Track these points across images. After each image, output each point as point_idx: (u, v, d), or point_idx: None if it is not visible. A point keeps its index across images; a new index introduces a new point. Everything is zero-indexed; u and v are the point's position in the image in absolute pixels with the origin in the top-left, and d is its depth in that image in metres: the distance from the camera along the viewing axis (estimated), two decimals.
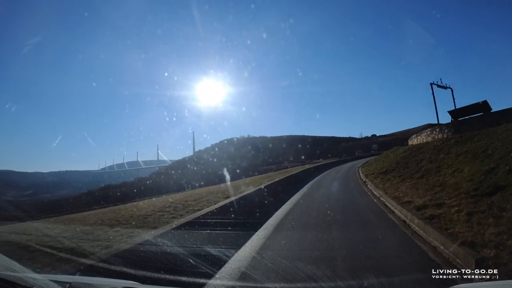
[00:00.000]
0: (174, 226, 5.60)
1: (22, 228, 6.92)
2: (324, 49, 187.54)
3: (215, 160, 46.21)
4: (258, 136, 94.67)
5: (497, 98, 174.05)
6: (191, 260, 4.06)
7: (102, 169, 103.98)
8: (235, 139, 75.52)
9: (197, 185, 24.86)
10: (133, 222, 6.27)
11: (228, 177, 20.39)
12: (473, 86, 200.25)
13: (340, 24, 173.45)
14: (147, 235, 4.96)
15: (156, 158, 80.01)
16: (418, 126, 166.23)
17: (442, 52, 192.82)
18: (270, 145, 66.50)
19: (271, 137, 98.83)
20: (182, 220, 6.10)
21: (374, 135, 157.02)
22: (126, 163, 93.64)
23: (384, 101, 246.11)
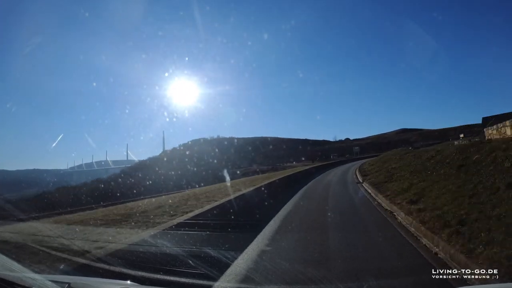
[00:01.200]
0: None
1: None
2: (298, 52, 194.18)
3: (178, 161, 45.71)
4: (227, 137, 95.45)
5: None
6: None
7: (71, 168, 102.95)
8: (201, 140, 75.49)
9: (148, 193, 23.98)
10: None
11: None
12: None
13: (319, 28, 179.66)
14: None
15: (125, 158, 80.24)
16: (393, 131, 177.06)
17: (419, 55, 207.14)
18: (240, 147, 67.31)
19: (241, 138, 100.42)
20: None
21: (347, 139, 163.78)
22: (95, 162, 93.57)
23: (358, 105, 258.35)
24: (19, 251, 4.47)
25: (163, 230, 5.78)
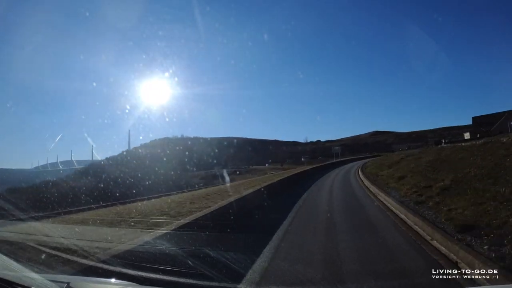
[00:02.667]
0: None
1: None
2: (271, 54, 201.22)
3: (137, 162, 44.71)
4: (192, 136, 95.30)
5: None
6: None
7: (36, 168, 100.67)
8: (164, 139, 74.80)
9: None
10: None
11: None
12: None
13: (292, 29, 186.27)
14: None
15: (90, 158, 79.82)
16: (367, 133, 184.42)
17: (394, 57, 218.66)
18: (205, 147, 67.27)
19: (208, 138, 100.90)
20: None
21: (319, 141, 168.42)
22: (60, 162, 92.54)
23: (329, 107, 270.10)
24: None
25: None
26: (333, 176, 29.59)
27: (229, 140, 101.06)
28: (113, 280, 3.01)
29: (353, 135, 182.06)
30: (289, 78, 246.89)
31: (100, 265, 4.09)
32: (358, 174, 26.23)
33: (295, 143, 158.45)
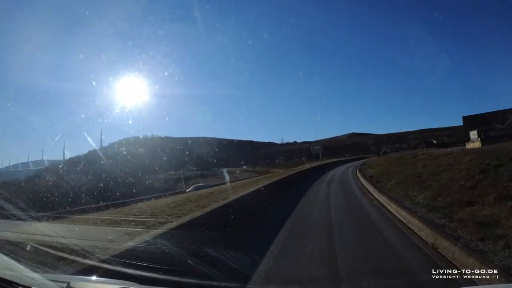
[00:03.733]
0: None
1: None
2: (247, 53, 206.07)
3: (95, 166, 43.85)
4: (162, 136, 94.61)
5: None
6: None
7: (6, 167, 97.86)
8: (131, 139, 73.79)
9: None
10: None
11: None
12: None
13: (264, 30, 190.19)
14: None
15: (62, 158, 78.23)
16: (344, 134, 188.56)
17: (370, 59, 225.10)
18: (175, 147, 66.74)
19: (178, 137, 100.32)
20: None
21: (295, 142, 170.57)
22: (31, 162, 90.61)
23: (306, 108, 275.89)
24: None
25: None
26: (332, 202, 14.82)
27: (201, 140, 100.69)
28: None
29: (329, 136, 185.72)
30: (266, 78, 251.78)
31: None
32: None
33: (271, 144, 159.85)
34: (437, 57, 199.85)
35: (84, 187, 33.70)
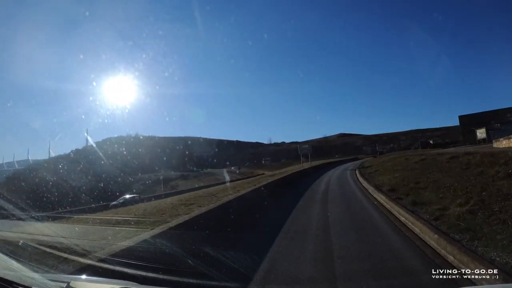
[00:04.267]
0: None
1: None
2: (237, 53, 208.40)
3: (71, 167, 43.41)
4: (147, 135, 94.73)
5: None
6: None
7: None
8: (113, 139, 73.73)
9: None
10: None
11: None
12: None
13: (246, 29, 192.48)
14: None
15: (47, 157, 78.30)
16: (334, 135, 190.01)
17: (359, 59, 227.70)
18: (159, 147, 66.67)
19: (165, 137, 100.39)
20: None
21: (283, 142, 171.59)
22: (17, 161, 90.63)
23: (296, 108, 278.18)
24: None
25: None
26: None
27: (187, 140, 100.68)
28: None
29: (319, 137, 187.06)
30: (255, 78, 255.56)
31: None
32: None
33: (258, 144, 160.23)
34: (428, 58, 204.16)
35: (54, 191, 33.40)
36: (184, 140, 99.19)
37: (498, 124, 63.40)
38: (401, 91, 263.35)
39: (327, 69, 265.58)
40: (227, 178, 29.89)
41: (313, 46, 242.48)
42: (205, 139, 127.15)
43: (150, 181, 63.20)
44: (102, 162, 43.97)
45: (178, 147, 78.58)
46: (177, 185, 65.23)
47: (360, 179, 23.40)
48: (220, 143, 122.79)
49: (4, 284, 2.35)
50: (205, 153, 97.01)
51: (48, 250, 5.13)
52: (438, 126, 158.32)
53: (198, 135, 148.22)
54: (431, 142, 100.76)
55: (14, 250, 4.89)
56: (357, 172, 29.23)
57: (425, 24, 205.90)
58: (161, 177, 66.78)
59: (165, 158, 71.35)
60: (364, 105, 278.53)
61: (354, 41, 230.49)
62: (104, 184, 38.84)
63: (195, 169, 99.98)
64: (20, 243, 5.32)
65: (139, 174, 63.30)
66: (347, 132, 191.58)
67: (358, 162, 54.26)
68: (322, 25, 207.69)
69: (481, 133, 63.03)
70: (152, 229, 6.91)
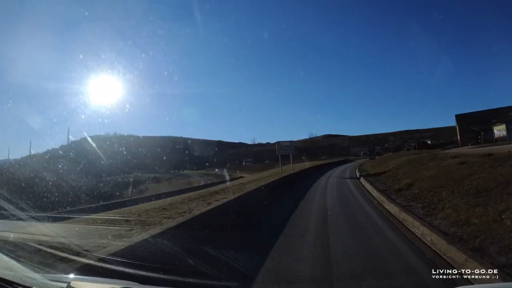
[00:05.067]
0: None
1: None
2: (221, 52, 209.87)
3: (38, 168, 42.73)
4: (126, 134, 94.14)
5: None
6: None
7: None
8: (91, 137, 73.06)
9: None
10: None
11: None
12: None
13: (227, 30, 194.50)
14: None
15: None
16: (318, 136, 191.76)
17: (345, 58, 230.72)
18: (137, 147, 66.06)
19: (145, 136, 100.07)
20: None
21: (268, 143, 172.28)
22: None
23: (282, 109, 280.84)
24: None
25: None
26: None
27: (168, 139, 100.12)
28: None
29: (305, 138, 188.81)
30: (241, 77, 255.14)
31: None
32: None
33: (241, 144, 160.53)
34: (417, 57, 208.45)
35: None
36: (165, 139, 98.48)
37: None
38: (389, 91, 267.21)
39: (314, 70, 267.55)
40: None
41: (299, 46, 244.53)
42: (187, 139, 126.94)
43: (122, 183, 62.41)
44: (75, 161, 43.39)
45: (158, 147, 78.07)
46: (146, 189, 64.11)
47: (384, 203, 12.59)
48: (203, 143, 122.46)
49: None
50: (187, 153, 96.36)
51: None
52: (427, 127, 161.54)
53: (179, 135, 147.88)
54: (428, 142, 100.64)
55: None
56: (374, 191, 15.97)
57: (414, 26, 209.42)
58: (131, 179, 65.71)
59: (146, 159, 70.74)
60: (350, 105, 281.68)
61: (340, 43, 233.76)
62: (65, 187, 37.84)
63: (172, 171, 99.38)
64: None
65: (103, 176, 62.00)
66: (333, 133, 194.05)
67: (352, 165, 50.07)
68: (307, 24, 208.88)
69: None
70: None
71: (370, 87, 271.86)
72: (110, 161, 51.04)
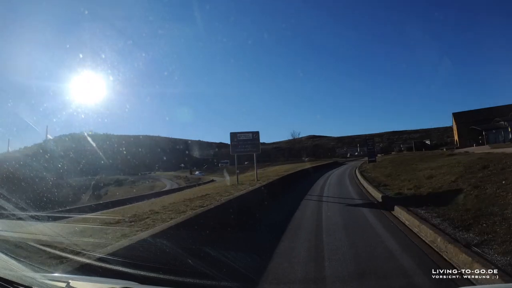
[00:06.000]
0: None
1: None
2: (201, 51, 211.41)
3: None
4: (101, 133, 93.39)
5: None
6: None
7: None
8: (65, 136, 72.34)
9: None
10: None
11: None
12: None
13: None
14: None
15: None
16: (303, 136, 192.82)
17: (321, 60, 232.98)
18: (112, 146, 65.43)
19: (120, 135, 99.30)
20: None
21: None
22: None
23: (267, 109, 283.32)
24: None
25: None
26: None
27: (145, 138, 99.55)
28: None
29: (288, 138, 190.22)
30: (224, 77, 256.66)
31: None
32: None
33: (222, 145, 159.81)
34: (402, 57, 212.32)
35: None
36: (141, 138, 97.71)
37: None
38: (375, 92, 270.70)
39: (297, 70, 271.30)
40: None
41: (281, 46, 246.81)
42: (167, 138, 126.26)
43: (84, 186, 61.44)
44: (45, 161, 42.91)
45: (133, 147, 77.54)
46: (105, 194, 62.84)
47: None
48: (181, 143, 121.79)
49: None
50: (164, 152, 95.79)
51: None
52: (415, 128, 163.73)
53: (156, 134, 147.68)
54: (427, 142, 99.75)
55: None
56: None
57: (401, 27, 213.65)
58: (93, 183, 64.60)
59: (110, 160, 69.92)
60: (335, 107, 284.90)
61: (322, 44, 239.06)
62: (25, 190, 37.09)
63: (141, 173, 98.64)
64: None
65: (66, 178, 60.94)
66: (317, 134, 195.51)
67: (348, 171, 40.76)
68: (288, 25, 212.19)
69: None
70: None
71: (355, 88, 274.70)
72: (84, 161, 50.64)
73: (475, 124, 65.18)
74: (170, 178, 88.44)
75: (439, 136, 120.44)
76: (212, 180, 58.06)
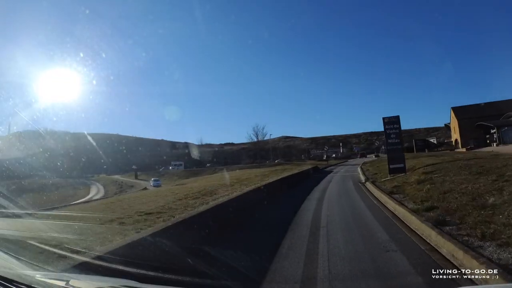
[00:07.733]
0: None
1: None
2: (168, 50, 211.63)
3: None
4: (57, 130, 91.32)
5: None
6: None
7: None
8: (21, 133, 70.18)
9: None
10: None
11: None
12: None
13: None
14: None
15: None
16: (276, 137, 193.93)
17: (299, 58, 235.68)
18: (64, 145, 64.10)
19: (77, 133, 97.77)
20: None
21: (221, 144, 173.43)
22: None
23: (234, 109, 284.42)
24: None
25: None
26: None
27: (99, 136, 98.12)
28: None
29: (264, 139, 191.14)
30: (191, 76, 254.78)
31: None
32: None
33: (186, 145, 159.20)
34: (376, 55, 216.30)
35: None
36: (95, 136, 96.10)
37: None
38: (350, 92, 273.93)
39: (269, 69, 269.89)
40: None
41: (252, 47, 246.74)
42: (125, 137, 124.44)
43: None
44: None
45: (88, 145, 76.11)
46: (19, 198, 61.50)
47: None
48: (145, 143, 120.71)
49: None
50: (120, 152, 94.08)
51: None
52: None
53: (116, 132, 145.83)
54: (432, 141, 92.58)
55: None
56: None
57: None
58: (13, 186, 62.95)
59: (60, 160, 68.48)
60: (307, 106, 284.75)
61: (293, 42, 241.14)
62: None
63: (86, 175, 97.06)
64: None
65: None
66: (290, 135, 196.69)
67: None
68: (261, 26, 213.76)
69: None
70: None
71: (329, 88, 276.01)
72: (21, 161, 49.43)
73: (482, 120, 58.79)
74: (108, 184, 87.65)
75: (423, 136, 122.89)
76: (146, 188, 58.06)
